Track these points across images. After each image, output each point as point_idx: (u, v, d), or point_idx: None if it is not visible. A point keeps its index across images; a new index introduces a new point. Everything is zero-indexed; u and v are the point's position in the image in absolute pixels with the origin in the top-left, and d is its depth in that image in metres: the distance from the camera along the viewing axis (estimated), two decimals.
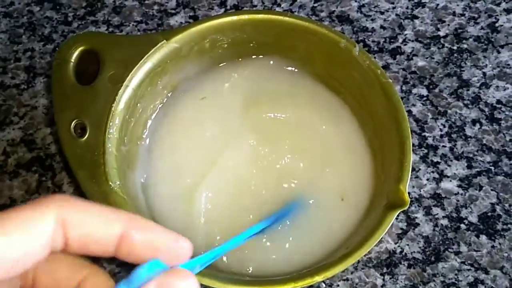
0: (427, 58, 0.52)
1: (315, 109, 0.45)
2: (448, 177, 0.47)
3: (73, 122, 0.39)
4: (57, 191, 0.47)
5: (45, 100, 0.53)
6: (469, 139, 0.48)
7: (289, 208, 0.41)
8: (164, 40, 0.42)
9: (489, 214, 0.45)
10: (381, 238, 0.44)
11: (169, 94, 0.46)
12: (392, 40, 0.54)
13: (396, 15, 0.55)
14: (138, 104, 0.43)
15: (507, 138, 0.48)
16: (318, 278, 0.35)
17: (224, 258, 0.39)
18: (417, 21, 0.54)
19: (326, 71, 0.45)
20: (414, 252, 0.44)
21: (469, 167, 0.47)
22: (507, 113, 0.50)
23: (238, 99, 0.45)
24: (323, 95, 0.46)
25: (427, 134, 0.49)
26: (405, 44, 0.53)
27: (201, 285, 0.30)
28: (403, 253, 0.44)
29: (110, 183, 0.37)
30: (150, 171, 0.43)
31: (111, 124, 0.39)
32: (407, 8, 0.55)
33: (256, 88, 0.45)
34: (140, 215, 0.23)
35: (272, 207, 0.41)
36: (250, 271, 0.39)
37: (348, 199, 0.42)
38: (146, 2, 0.58)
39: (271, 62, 0.46)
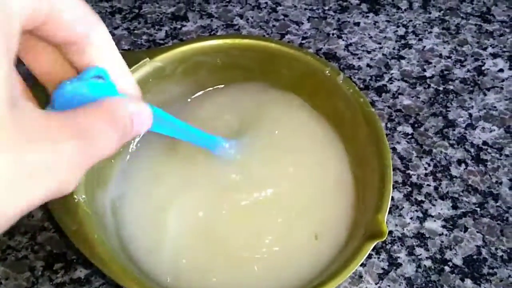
0: (412, 97, 0.53)
1: (303, 136, 0.43)
2: (432, 216, 0.46)
3: None
4: None
5: None
6: (454, 179, 0.48)
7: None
8: (147, 58, 0.41)
9: (475, 257, 0.44)
10: (362, 278, 0.43)
11: None
12: (378, 79, 0.54)
13: (383, 54, 0.55)
14: None
15: (493, 180, 0.47)
16: None
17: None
18: (403, 61, 0.55)
19: (311, 99, 0.45)
20: None
21: (454, 207, 0.46)
22: (493, 154, 0.49)
23: (231, 125, 0.43)
24: (311, 123, 0.44)
25: (411, 172, 0.48)
26: (391, 83, 0.53)
27: None
28: None
29: (75, 196, 0.35)
30: (124, 192, 0.41)
31: None
32: (393, 48, 0.56)
33: (245, 113, 0.44)
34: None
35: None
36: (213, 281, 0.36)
37: (323, 236, 0.40)
38: (135, 31, 0.59)
39: (256, 88, 0.46)
